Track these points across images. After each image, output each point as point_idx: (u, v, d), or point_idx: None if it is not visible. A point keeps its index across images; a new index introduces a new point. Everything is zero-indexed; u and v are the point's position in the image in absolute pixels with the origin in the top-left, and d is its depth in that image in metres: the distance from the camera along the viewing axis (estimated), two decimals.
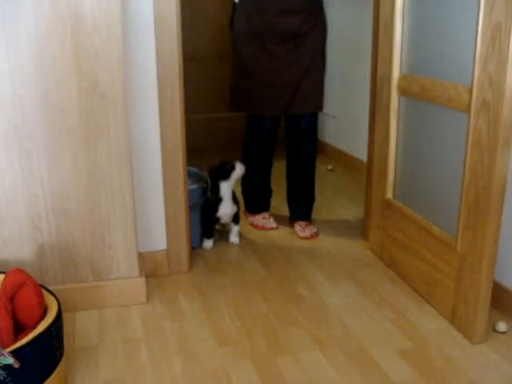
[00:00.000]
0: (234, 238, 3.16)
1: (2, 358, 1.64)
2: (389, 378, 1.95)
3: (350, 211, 3.58)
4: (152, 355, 2.11)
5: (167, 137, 2.56)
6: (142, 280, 2.47)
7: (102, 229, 2.36)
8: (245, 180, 3.32)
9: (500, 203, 2.04)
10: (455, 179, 2.21)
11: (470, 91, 2.06)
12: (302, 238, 3.18)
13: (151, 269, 2.68)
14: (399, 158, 2.65)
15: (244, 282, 2.65)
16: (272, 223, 3.36)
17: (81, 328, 2.29)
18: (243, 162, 3.12)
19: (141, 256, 2.51)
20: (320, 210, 3.53)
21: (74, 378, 2.00)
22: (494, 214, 2.05)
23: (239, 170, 3.07)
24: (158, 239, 2.69)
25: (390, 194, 2.74)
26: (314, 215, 3.36)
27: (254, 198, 3.45)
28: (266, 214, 3.42)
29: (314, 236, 3.21)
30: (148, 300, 2.48)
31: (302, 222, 3.28)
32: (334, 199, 3.82)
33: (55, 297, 2.00)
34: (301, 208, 3.34)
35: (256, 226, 3.36)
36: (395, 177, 2.70)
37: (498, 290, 2.31)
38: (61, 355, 1.92)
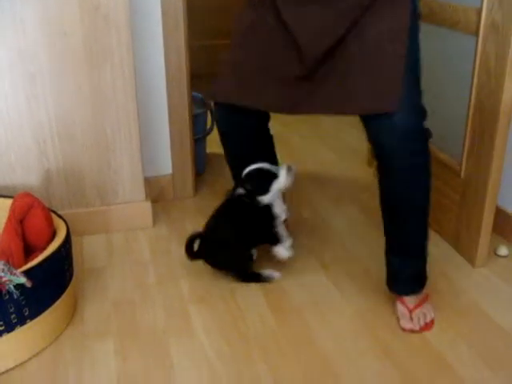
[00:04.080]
0: (284, 252, 2.17)
1: (15, 277, 1.68)
2: (392, 299, 2.00)
3: (355, 137, 3.57)
4: (159, 277, 2.16)
5: (171, 61, 2.54)
6: (148, 204, 2.50)
7: (107, 153, 2.37)
8: None
9: (506, 128, 2.03)
10: (461, 104, 2.20)
11: (479, 13, 2.02)
12: (406, 331, 1.92)
13: (157, 194, 2.70)
14: None
15: None
16: None
17: (89, 251, 2.34)
18: None
19: (146, 181, 2.52)
20: (325, 137, 3.53)
21: (83, 299, 2.05)
22: (499, 139, 2.05)
23: (284, 178, 2.09)
24: (163, 164, 2.70)
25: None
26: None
27: None
28: None
29: (428, 328, 1.93)
30: (154, 224, 2.52)
31: (407, 299, 1.96)
32: (338, 126, 3.80)
33: (63, 219, 2.03)
34: (402, 272, 1.97)
35: None
36: None
37: (500, 215, 2.34)
38: (70, 276, 1.97)
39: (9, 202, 2.03)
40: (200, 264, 2.19)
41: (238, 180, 2.12)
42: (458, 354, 1.79)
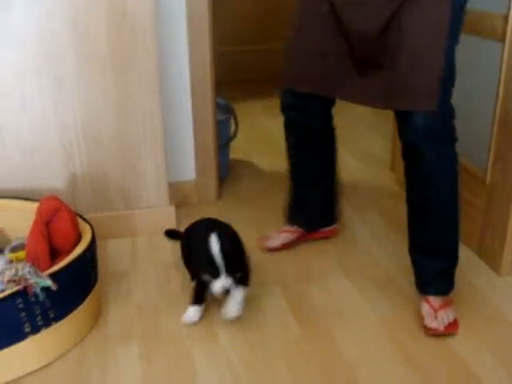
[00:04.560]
0: (231, 309, 1.93)
1: (41, 280, 1.70)
2: (414, 303, 1.99)
3: (377, 143, 3.56)
4: (183, 281, 2.16)
5: (196, 67, 2.56)
6: (172, 209, 2.51)
7: (132, 158, 2.39)
8: None
9: None
10: (486, 110, 2.18)
11: (506, 18, 2.01)
12: (430, 331, 1.89)
13: (180, 198, 2.71)
14: None
15: (272, 213, 2.68)
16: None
17: (113, 255, 2.36)
18: None
19: (170, 186, 2.54)
20: (346, 142, 3.52)
21: (107, 302, 2.07)
22: None
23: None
24: (187, 170, 2.72)
25: None
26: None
27: None
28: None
29: (453, 328, 1.91)
30: (178, 228, 2.53)
31: (432, 299, 1.95)
32: (360, 131, 3.79)
33: (88, 223, 2.05)
34: (429, 271, 1.97)
35: None
36: None
37: None
38: (95, 279, 1.98)
39: (35, 205, 2.05)
40: None
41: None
42: (481, 362, 1.78)
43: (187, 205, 2.73)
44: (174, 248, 2.38)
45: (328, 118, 2.19)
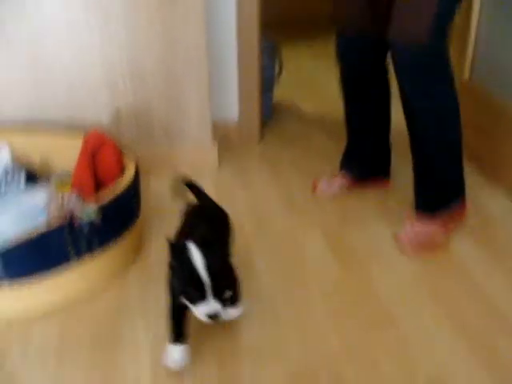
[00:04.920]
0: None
1: (87, 210, 1.73)
2: (454, 253, 1.99)
3: None
4: None
5: (243, 8, 2.53)
6: (215, 147, 2.52)
7: (176, 94, 2.39)
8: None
9: None
10: None
11: None
12: (396, 239, 2.08)
13: (223, 138, 2.71)
14: (481, 32, 2.52)
15: (314, 155, 2.67)
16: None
17: (154, 192, 2.38)
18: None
19: (213, 125, 2.53)
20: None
21: (149, 238, 2.10)
22: None
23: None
24: (230, 108, 2.71)
25: (467, 75, 2.64)
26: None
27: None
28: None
29: (418, 248, 2.03)
30: (220, 167, 2.54)
31: (419, 215, 2.08)
32: None
33: (133, 158, 2.06)
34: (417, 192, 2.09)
35: None
36: (474, 55, 2.59)
37: None
38: (138, 214, 2.01)
39: (80, 138, 2.08)
40: (264, 209, 2.20)
41: None
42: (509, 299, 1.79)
43: (230, 144, 2.73)
44: (214, 186, 2.40)
45: (381, 62, 2.13)
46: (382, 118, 2.27)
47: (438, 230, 2.05)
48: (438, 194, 2.05)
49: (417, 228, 2.04)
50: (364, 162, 2.36)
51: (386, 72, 2.16)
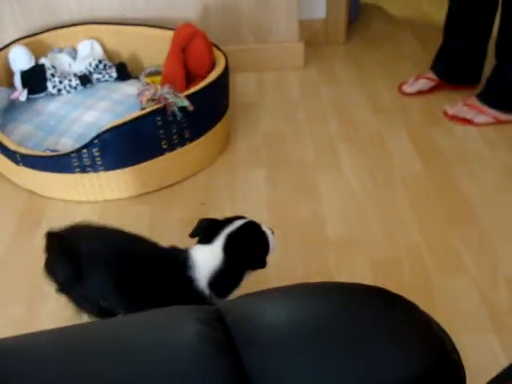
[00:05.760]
0: None
1: (179, 100, 1.78)
2: None
3: None
4: (309, 115, 2.21)
5: None
6: (301, 45, 2.51)
7: None
8: None
9: None
10: None
11: None
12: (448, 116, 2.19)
13: (309, 37, 2.68)
14: None
15: (400, 57, 2.62)
16: None
17: (242, 87, 2.42)
18: None
19: (300, 23, 2.51)
20: None
21: (236, 131, 2.16)
22: None
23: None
24: (317, 7, 2.67)
25: None
26: None
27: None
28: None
29: (461, 120, 2.16)
30: (305, 66, 2.54)
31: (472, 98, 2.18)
32: None
33: (223, 52, 2.09)
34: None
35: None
36: None
37: None
38: (226, 107, 2.06)
39: (169, 33, 2.11)
40: (349, 107, 2.23)
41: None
42: None
43: (315, 43, 2.70)
44: (300, 84, 2.41)
45: None
46: (487, 23, 2.18)
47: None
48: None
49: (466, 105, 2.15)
50: (457, 66, 2.30)
51: None
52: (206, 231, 1.28)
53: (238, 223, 1.26)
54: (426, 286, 1.52)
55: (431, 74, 2.32)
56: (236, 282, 1.27)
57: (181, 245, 1.30)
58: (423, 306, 0.76)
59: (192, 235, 1.29)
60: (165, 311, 0.74)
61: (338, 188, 1.87)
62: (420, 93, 2.32)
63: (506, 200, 1.80)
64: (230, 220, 1.28)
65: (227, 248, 1.23)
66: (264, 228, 1.30)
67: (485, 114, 2.12)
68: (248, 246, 1.27)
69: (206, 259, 1.24)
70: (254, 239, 1.28)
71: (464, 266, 1.57)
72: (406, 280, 1.55)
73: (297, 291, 0.76)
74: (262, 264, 1.27)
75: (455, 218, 1.74)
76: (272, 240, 1.29)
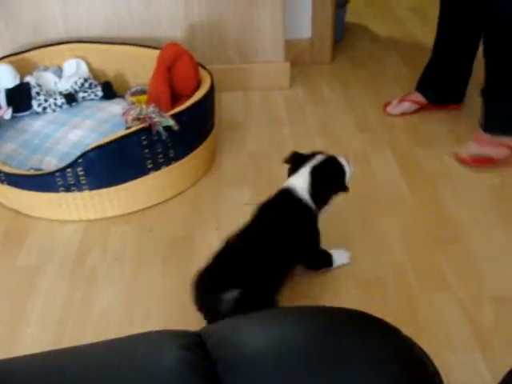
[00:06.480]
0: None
1: (164, 119, 1.78)
2: None
3: None
4: (295, 134, 2.22)
5: None
6: (287, 65, 2.53)
7: (251, 11, 2.39)
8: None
9: None
10: None
11: None
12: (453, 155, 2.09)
13: (295, 57, 2.70)
14: None
15: (385, 77, 2.64)
16: None
17: (227, 107, 2.42)
18: None
19: (286, 43, 2.53)
20: None
21: (221, 150, 2.16)
22: None
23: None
24: (303, 27, 2.69)
25: None
26: None
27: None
28: None
29: (474, 162, 2.04)
30: (291, 85, 2.55)
31: (480, 133, 2.08)
32: None
33: (208, 71, 2.10)
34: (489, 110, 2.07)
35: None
36: None
37: None
38: (212, 126, 2.06)
39: (155, 52, 2.12)
40: (335, 126, 2.23)
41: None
42: None
43: (301, 63, 2.72)
44: (286, 103, 2.42)
45: None
46: (474, 42, 2.17)
47: (499, 148, 2.03)
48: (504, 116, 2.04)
49: (476, 144, 2.05)
50: (443, 86, 2.31)
51: None
52: (295, 162, 1.59)
53: (320, 157, 1.57)
54: (411, 306, 1.52)
55: (416, 96, 2.33)
56: (328, 194, 1.56)
57: (166, 267, 1.30)
58: (408, 325, 0.76)
59: (286, 161, 1.61)
60: (147, 337, 0.73)
61: None
62: (404, 115, 2.33)
63: (490, 220, 1.81)
64: (312, 154, 1.58)
65: (313, 174, 1.53)
66: (340, 159, 1.58)
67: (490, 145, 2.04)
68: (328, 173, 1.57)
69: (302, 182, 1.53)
70: (331, 168, 1.57)
71: (449, 285, 1.57)
72: (391, 299, 1.55)
73: (278, 316, 0.76)
74: (343, 187, 1.55)
75: (440, 237, 1.74)
76: (347, 168, 1.58)
